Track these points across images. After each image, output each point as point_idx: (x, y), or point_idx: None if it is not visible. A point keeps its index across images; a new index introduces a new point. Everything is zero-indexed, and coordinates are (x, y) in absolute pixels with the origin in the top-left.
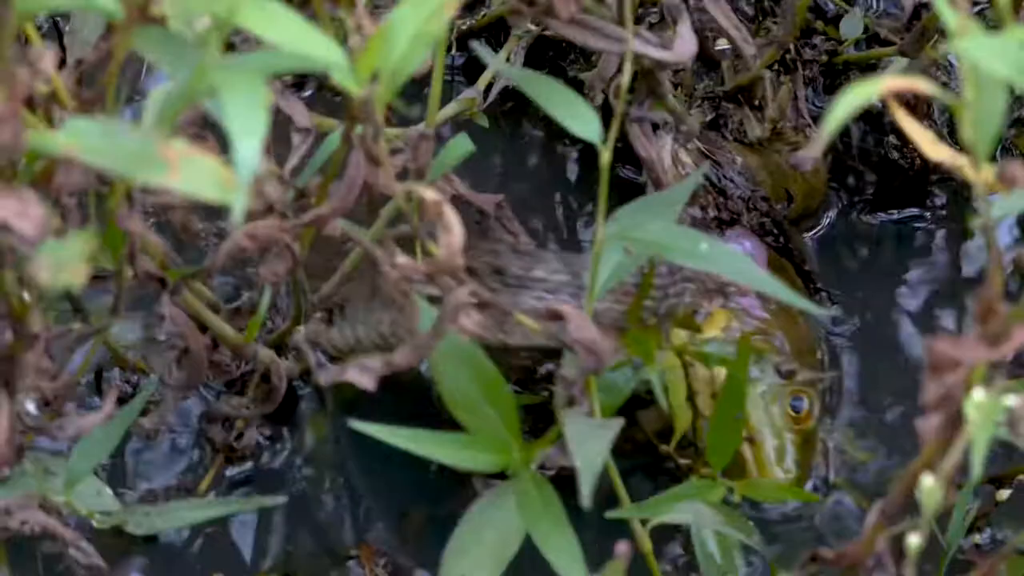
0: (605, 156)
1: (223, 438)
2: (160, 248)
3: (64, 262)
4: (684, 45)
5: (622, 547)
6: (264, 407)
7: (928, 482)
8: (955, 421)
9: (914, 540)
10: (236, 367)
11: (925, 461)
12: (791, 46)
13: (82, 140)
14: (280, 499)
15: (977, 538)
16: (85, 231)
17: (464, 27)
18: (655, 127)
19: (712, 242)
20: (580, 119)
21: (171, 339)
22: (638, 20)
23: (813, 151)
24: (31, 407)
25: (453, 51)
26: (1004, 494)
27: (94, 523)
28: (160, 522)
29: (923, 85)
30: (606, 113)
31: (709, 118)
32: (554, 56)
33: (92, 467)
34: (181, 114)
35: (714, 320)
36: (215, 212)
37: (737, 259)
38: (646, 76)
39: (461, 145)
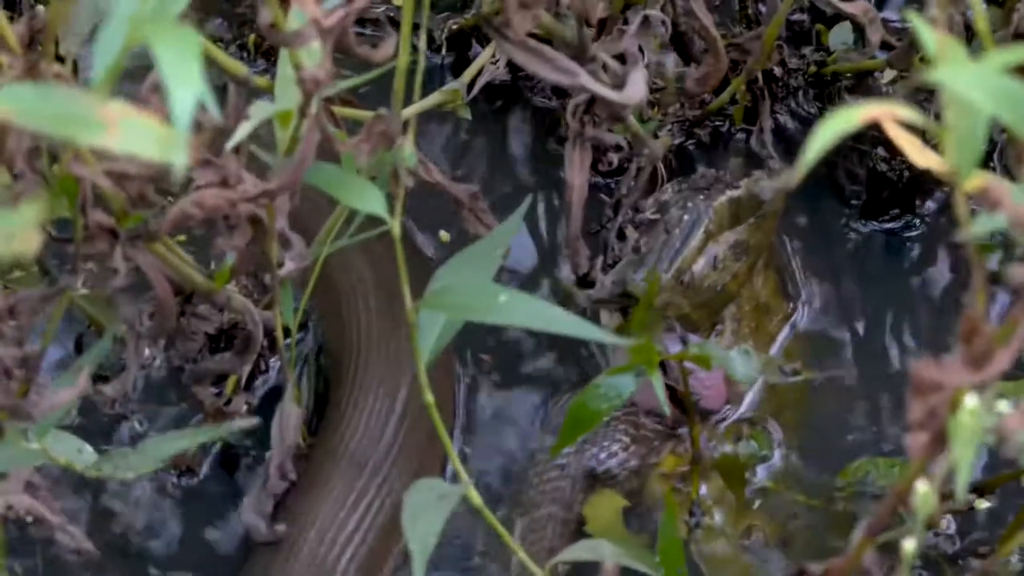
0: (396, 228)
1: (212, 402)
2: (119, 197)
3: (15, 231)
4: (634, 90)
5: (609, 566)
6: (244, 357)
7: (922, 488)
8: (941, 438)
9: (908, 545)
10: (215, 330)
11: (911, 477)
12: (759, 74)
13: (19, 104)
14: (252, 420)
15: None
16: (37, 199)
17: (454, 27)
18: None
19: (510, 293)
20: (367, 199)
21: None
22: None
23: (786, 180)
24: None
25: (443, 51)
26: (984, 504)
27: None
28: (137, 461)
29: (903, 111)
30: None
31: (678, 142)
32: None
33: (59, 416)
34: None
35: (666, 464)
36: None
37: (535, 306)
38: (607, 105)
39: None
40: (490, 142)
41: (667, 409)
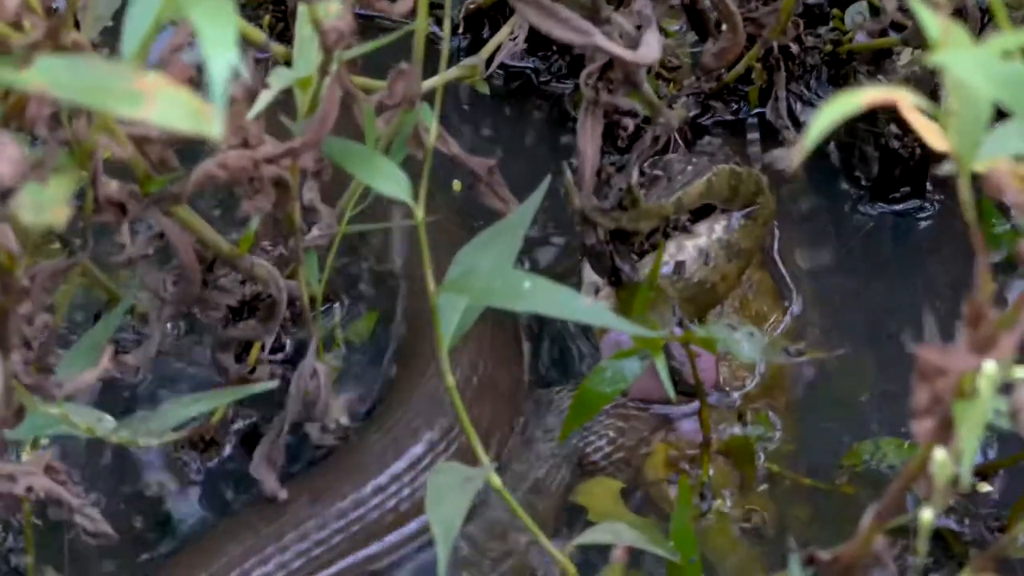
0: (419, 213)
1: (236, 369)
2: (142, 163)
3: (45, 203)
4: (648, 50)
5: (618, 552)
6: (269, 324)
7: (940, 455)
8: (947, 423)
9: (926, 515)
10: (237, 303)
11: (920, 461)
12: (774, 44)
13: (54, 76)
14: (271, 384)
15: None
16: (67, 171)
17: (472, 6)
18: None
19: (535, 280)
20: (390, 180)
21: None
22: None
23: (794, 157)
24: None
25: (460, 31)
26: (985, 487)
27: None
28: (157, 425)
29: (903, 96)
30: None
31: (693, 114)
32: None
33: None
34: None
35: (657, 453)
36: None
37: (558, 294)
38: (621, 62)
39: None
40: (506, 125)
41: (672, 393)
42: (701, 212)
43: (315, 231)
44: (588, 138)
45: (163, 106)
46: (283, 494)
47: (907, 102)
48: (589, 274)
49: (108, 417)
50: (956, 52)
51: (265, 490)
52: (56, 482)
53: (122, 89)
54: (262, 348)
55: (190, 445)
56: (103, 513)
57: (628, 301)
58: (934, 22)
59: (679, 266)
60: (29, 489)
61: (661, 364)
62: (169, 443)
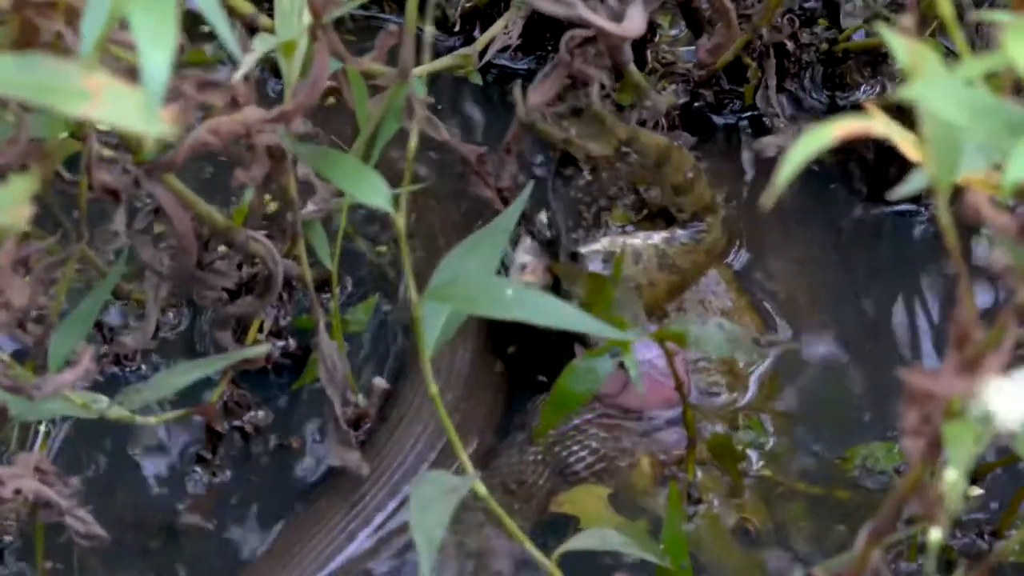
0: (400, 221)
1: (233, 348)
2: (135, 136)
3: (5, 203)
4: (632, 23)
5: None
6: (265, 299)
7: (952, 475)
8: (938, 443)
9: (935, 535)
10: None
11: (913, 479)
12: (764, 31)
13: (2, 74)
14: (264, 348)
15: None
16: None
17: (467, 5)
18: None
19: (517, 288)
20: (370, 189)
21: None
22: None
23: (773, 191)
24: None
25: (455, 30)
26: (976, 491)
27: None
28: (151, 393)
29: (878, 126)
30: None
31: (682, 101)
32: (555, 32)
33: (71, 351)
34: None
35: (641, 467)
36: None
37: (541, 301)
38: (604, 35)
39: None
40: (498, 125)
41: (641, 387)
42: (648, 220)
43: (311, 205)
44: (542, 92)
45: (110, 104)
46: (365, 469)
47: (881, 127)
48: (519, 254)
49: (101, 397)
50: (926, 83)
51: (351, 468)
52: (45, 484)
53: (70, 88)
54: (260, 329)
55: (196, 459)
56: (104, 525)
57: (565, 278)
58: (903, 49)
59: (609, 256)
60: (18, 491)
61: (631, 363)
62: (168, 421)
